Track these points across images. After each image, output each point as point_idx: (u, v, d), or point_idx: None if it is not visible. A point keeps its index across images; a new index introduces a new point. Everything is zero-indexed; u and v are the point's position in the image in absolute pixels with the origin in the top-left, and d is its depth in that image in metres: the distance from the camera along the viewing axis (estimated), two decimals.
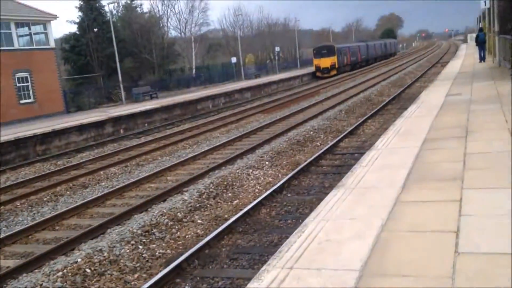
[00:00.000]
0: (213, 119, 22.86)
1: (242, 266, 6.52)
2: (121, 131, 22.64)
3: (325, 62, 46.06)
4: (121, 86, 32.99)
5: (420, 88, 23.70)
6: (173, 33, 54.68)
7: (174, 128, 21.38)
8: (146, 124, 24.39)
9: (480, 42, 26.26)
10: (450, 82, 17.08)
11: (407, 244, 3.95)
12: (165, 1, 48.66)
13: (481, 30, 27.50)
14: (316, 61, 46.98)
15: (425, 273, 3.41)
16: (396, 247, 3.90)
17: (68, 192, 11.25)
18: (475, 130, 8.11)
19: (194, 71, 49.36)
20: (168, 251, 7.24)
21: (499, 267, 3.35)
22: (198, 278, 6.27)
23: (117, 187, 10.80)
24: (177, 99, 30.11)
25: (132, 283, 6.25)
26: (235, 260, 6.70)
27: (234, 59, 50.91)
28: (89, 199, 9.98)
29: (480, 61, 26.03)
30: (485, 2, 26.40)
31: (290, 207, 8.60)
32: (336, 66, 46.43)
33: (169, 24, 51.56)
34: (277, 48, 67.31)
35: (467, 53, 40.94)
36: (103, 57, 37.06)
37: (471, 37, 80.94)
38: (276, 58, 67.43)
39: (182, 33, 50.93)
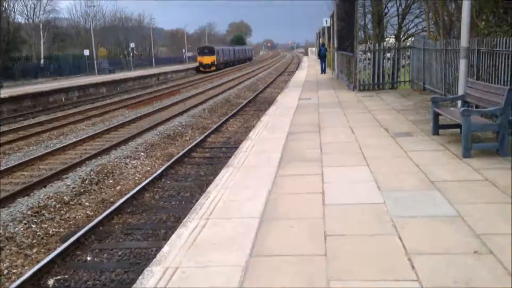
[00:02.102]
0: (72, 112, 22.28)
1: (137, 240, 7.27)
2: None
3: (207, 59, 57.48)
4: None
5: (272, 94, 26.32)
6: (19, 18, 50.19)
7: (30, 120, 20.31)
8: None
9: (322, 56, 30.17)
10: (300, 89, 19.65)
11: (289, 201, 5.34)
12: None
13: (323, 45, 31.51)
14: (199, 58, 58.31)
15: (305, 216, 4.82)
16: (282, 203, 5.27)
17: None
18: (325, 126, 10.11)
19: (42, 61, 46.00)
20: (61, 229, 7.64)
21: (351, 211, 4.92)
22: (97, 250, 6.87)
23: None
24: (26, 89, 28.28)
25: (33, 256, 6.60)
26: (129, 235, 7.42)
27: (87, 52, 48.88)
28: None
29: (322, 73, 29.86)
30: (326, 20, 30.45)
31: (171, 192, 9.49)
32: (215, 63, 57.90)
33: (15, 9, 47.26)
34: (132, 45, 66.30)
35: (309, 64, 45.94)
36: None
37: (311, 50, 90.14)
38: (131, 54, 66.26)
39: (30, 19, 47.11)
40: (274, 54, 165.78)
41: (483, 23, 10.74)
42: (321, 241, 4.15)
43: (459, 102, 8.94)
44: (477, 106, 8.35)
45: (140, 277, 3.64)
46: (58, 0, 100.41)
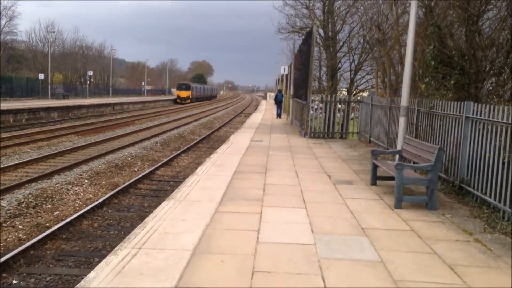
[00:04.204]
0: (18, 134, 21.62)
1: (69, 266, 7.09)
2: None
3: (184, 93, 70.22)
4: None
5: (227, 133, 26.59)
6: None
7: None
8: None
9: (278, 102, 31.02)
10: (254, 131, 20.05)
11: (225, 236, 5.44)
12: None
13: (280, 91, 32.48)
14: (177, 92, 71.13)
15: (237, 253, 4.93)
16: (217, 238, 5.36)
17: None
18: (272, 168, 10.36)
19: None
20: None
21: (282, 250, 5.08)
22: (25, 274, 6.64)
23: None
24: None
25: None
26: (61, 261, 7.22)
27: (42, 76, 47.86)
28: None
29: (277, 117, 30.60)
30: (284, 69, 31.54)
31: (111, 221, 9.36)
32: (190, 97, 70.37)
33: None
34: (90, 73, 65.53)
35: (267, 108, 46.90)
36: None
37: (270, 95, 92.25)
38: (88, 82, 65.34)
39: None
40: (234, 95, 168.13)
41: (423, 86, 11.54)
42: (248, 277, 4.26)
43: (397, 156, 9.47)
44: (414, 162, 8.87)
45: None
46: (17, 23, 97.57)
